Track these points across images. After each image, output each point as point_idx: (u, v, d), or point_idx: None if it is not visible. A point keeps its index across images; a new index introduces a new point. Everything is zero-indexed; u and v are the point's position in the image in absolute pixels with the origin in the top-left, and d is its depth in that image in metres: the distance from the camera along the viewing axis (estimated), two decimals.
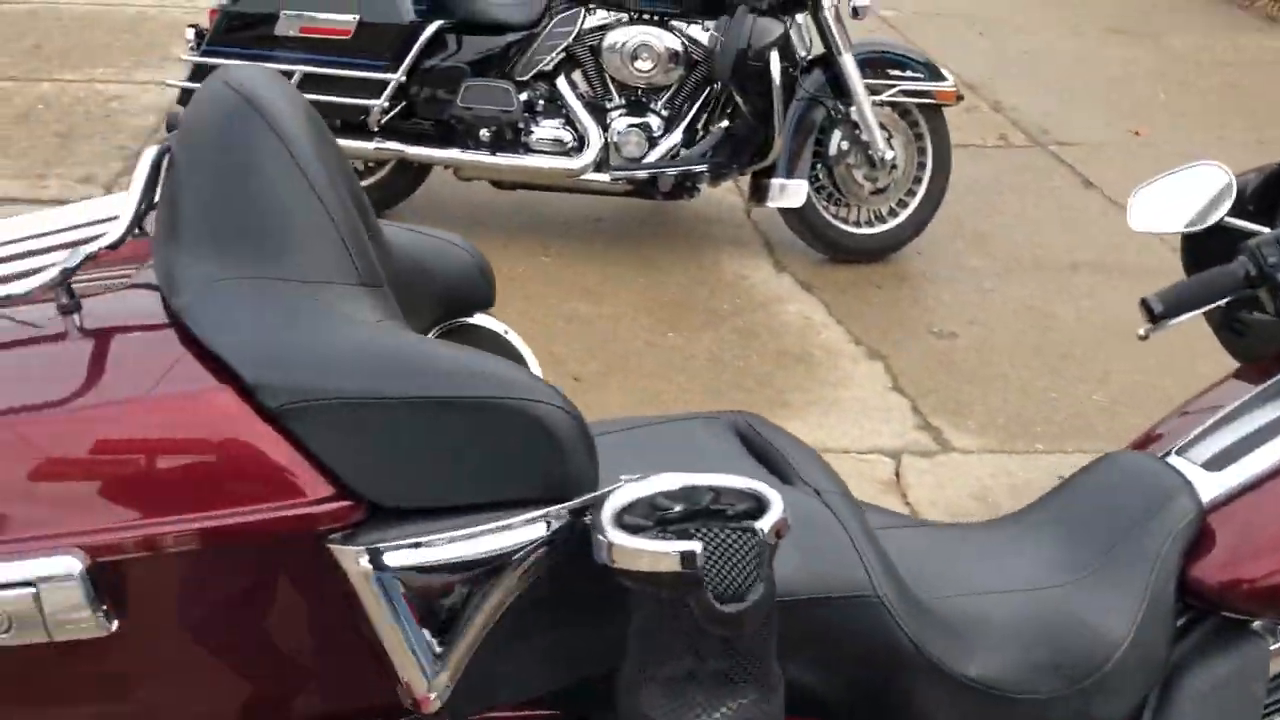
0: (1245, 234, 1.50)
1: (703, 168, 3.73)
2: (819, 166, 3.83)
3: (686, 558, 0.73)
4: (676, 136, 3.76)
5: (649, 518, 0.77)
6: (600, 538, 0.76)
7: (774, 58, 3.56)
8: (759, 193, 3.82)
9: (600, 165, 3.73)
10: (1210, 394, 1.49)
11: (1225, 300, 1.45)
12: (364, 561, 0.76)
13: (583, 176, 3.74)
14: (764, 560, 0.75)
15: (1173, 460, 1.32)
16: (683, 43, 3.71)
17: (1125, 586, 1.19)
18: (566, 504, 0.79)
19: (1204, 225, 1.50)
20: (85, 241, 0.89)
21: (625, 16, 3.73)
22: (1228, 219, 1.49)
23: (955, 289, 3.90)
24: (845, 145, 3.79)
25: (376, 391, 0.77)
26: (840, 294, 3.81)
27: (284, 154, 0.90)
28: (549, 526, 0.79)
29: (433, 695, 0.80)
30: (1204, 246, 1.64)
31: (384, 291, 0.91)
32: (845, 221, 3.94)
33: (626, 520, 0.76)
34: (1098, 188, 4.77)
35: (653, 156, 3.74)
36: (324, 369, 0.78)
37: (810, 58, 3.81)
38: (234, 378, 0.78)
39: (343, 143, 3.60)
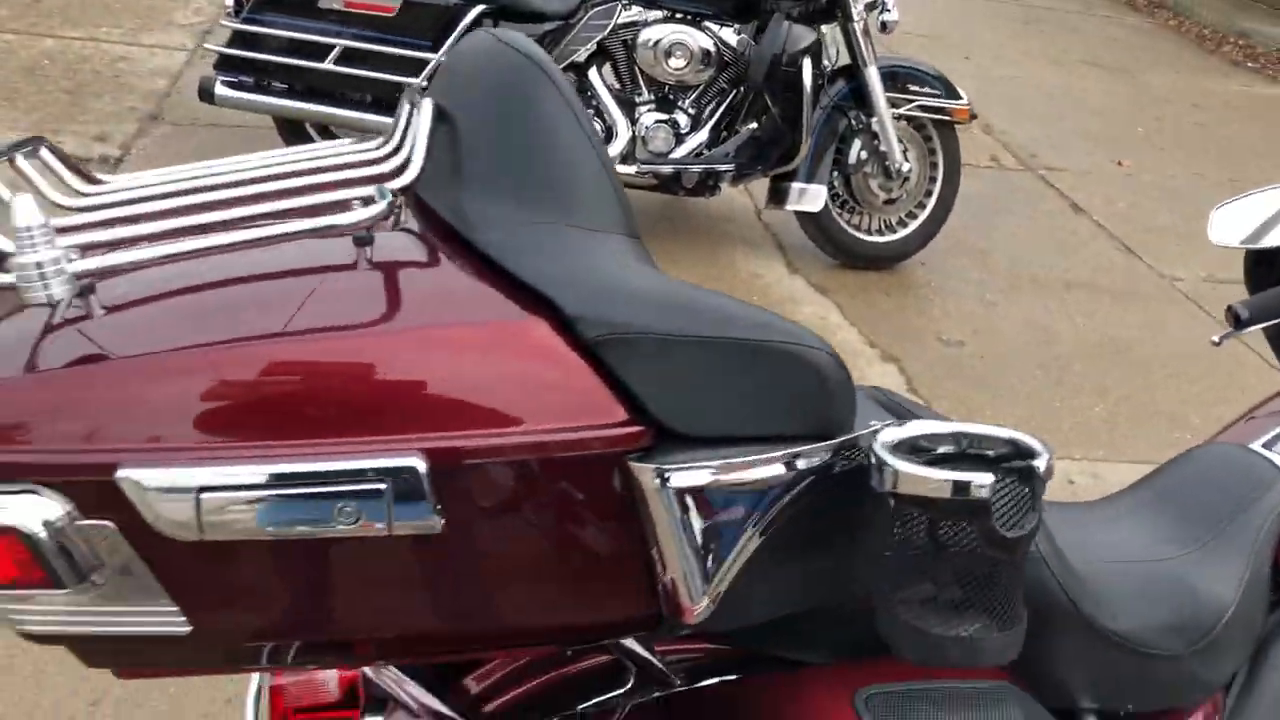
0: None
1: (728, 167, 3.84)
2: (836, 174, 3.95)
3: (982, 486, 0.82)
4: (703, 135, 3.86)
5: (917, 455, 0.86)
6: (888, 466, 0.84)
7: (807, 64, 3.68)
8: (778, 195, 3.93)
9: (626, 158, 3.81)
10: (1274, 401, 1.61)
11: None
12: (658, 479, 0.84)
13: None
14: (1038, 495, 0.85)
15: (1261, 452, 1.44)
16: (715, 43, 3.81)
17: (1230, 562, 1.30)
18: (843, 438, 0.88)
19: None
20: (360, 182, 0.96)
21: (660, 14, 3.82)
22: None
23: (959, 300, 4.05)
24: (864, 154, 3.92)
25: (681, 331, 0.85)
26: (851, 298, 3.94)
27: (568, 110, 0.97)
28: (821, 459, 0.88)
29: (698, 607, 0.88)
30: (1268, 264, 1.77)
31: (642, 243, 0.99)
32: (858, 229, 4.08)
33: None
34: (1086, 212, 4.97)
35: (679, 152, 3.84)
36: (636, 308, 0.86)
37: (835, 67, 3.93)
38: (549, 309, 0.86)
39: (374, 119, 3.68)
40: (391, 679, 1.06)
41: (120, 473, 0.77)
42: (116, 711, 1.99)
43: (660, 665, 1.10)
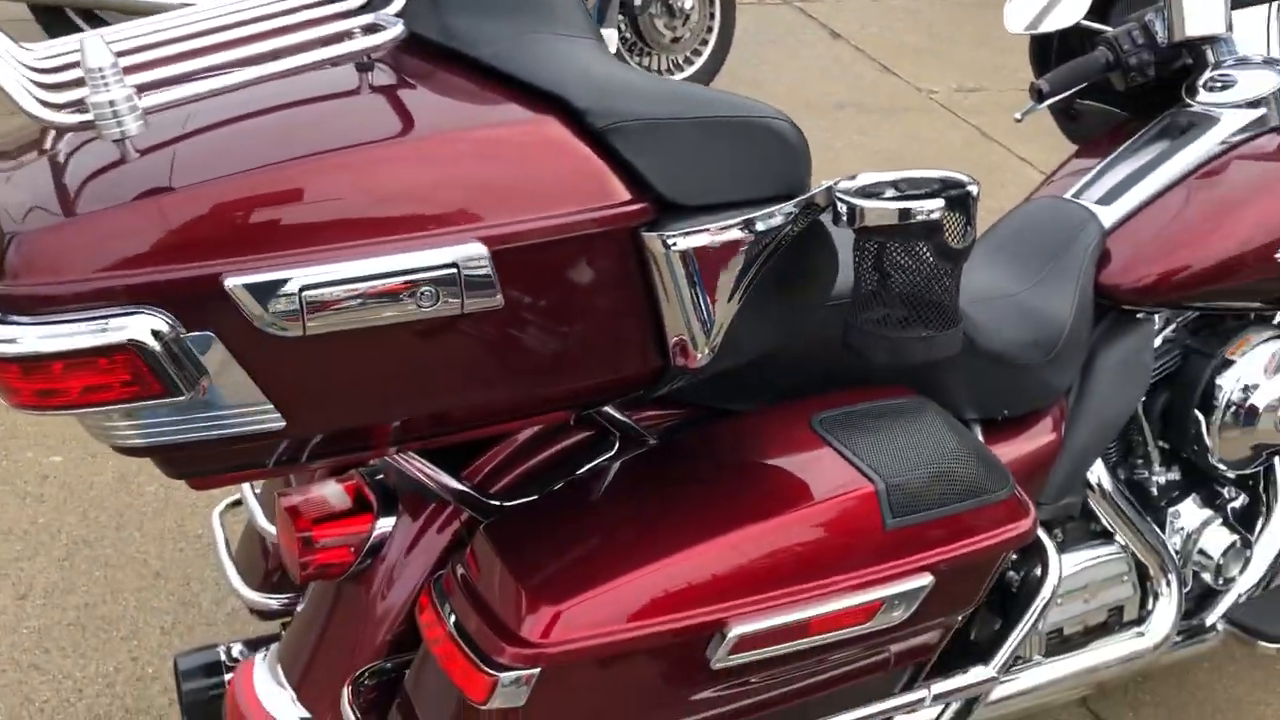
0: (1094, 32, 1.91)
1: None
2: (623, 17, 4.07)
3: (934, 210, 1.01)
4: None
5: (873, 197, 1.05)
6: (858, 205, 1.02)
7: None
8: None
9: None
10: (1073, 161, 1.90)
11: (1085, 84, 1.86)
12: (664, 245, 1.00)
13: None
14: (973, 216, 1.05)
15: (1071, 199, 1.73)
16: None
17: (1063, 289, 1.59)
18: (811, 192, 1.05)
19: (1069, 25, 1.89)
20: (335, 18, 1.04)
21: None
22: (1083, 20, 1.89)
23: None
24: None
25: (675, 114, 0.99)
26: None
27: None
28: (793, 213, 1.05)
29: (702, 352, 1.06)
30: (1049, 46, 2.05)
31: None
32: (649, 70, 4.23)
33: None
34: (844, 38, 5.29)
35: None
36: (634, 97, 0.99)
37: None
38: (558, 107, 0.98)
39: None
40: (417, 465, 1.19)
41: (230, 281, 0.86)
42: (47, 600, 2.00)
43: (639, 428, 1.28)
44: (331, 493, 1.31)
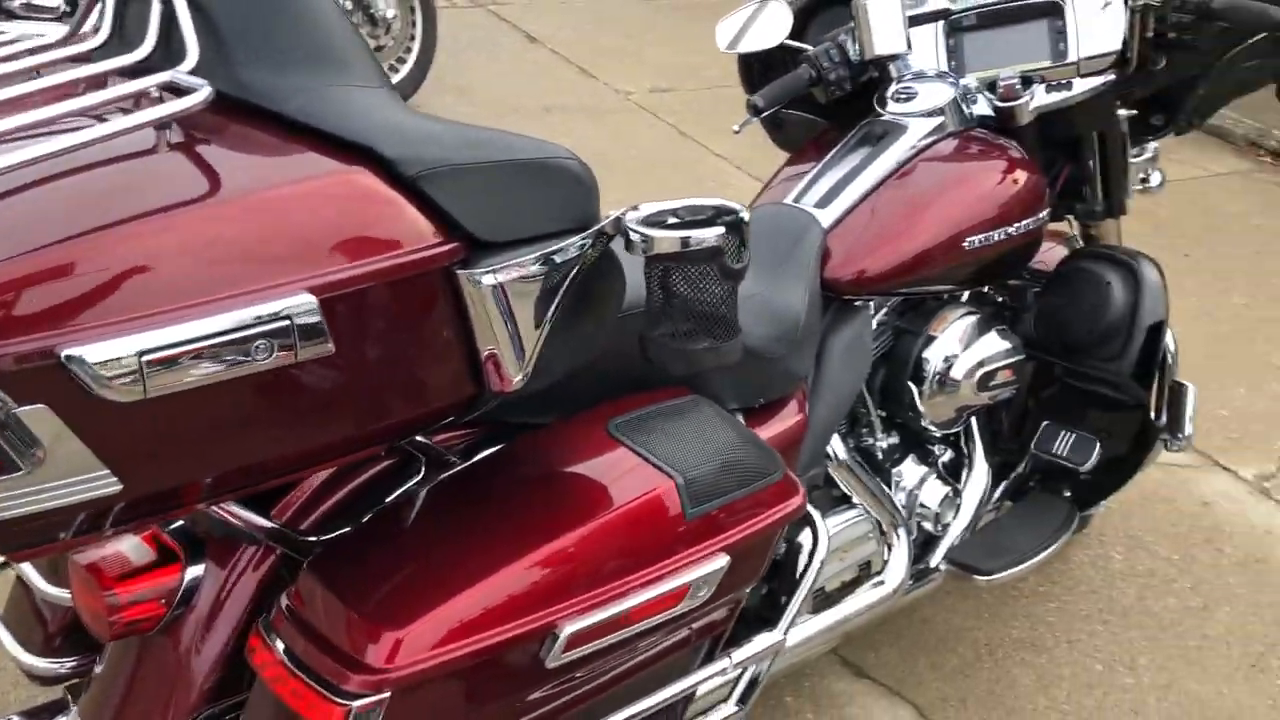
0: (793, 50, 2.13)
1: None
2: None
3: (714, 236, 1.13)
4: None
5: (658, 225, 1.15)
6: (648, 236, 1.12)
7: None
8: None
9: None
10: (786, 169, 2.11)
11: (791, 97, 2.07)
12: (478, 281, 1.07)
13: None
14: (746, 239, 1.18)
15: (793, 205, 1.93)
16: None
17: (796, 287, 1.78)
18: (603, 222, 1.14)
19: (773, 45, 2.10)
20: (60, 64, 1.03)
21: None
22: (786, 41, 2.10)
23: None
24: (349, 4, 4.01)
25: (478, 158, 1.06)
26: None
27: None
28: (589, 242, 1.14)
29: (517, 377, 1.13)
30: (757, 63, 2.26)
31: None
32: None
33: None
34: (541, 42, 5.43)
35: None
36: (440, 145, 1.05)
37: None
38: (368, 156, 1.03)
39: None
40: (229, 510, 1.20)
41: (66, 351, 0.86)
42: None
43: (443, 451, 1.34)
44: (130, 546, 1.29)
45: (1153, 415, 2.10)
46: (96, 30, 1.18)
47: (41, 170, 0.92)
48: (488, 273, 1.08)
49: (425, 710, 1.14)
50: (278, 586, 1.25)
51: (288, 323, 0.95)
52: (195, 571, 1.27)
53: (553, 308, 1.14)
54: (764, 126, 2.32)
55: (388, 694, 1.08)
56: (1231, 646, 2.43)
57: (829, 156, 2.00)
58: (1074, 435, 2.11)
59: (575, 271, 1.15)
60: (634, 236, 1.15)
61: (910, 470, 2.02)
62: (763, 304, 1.73)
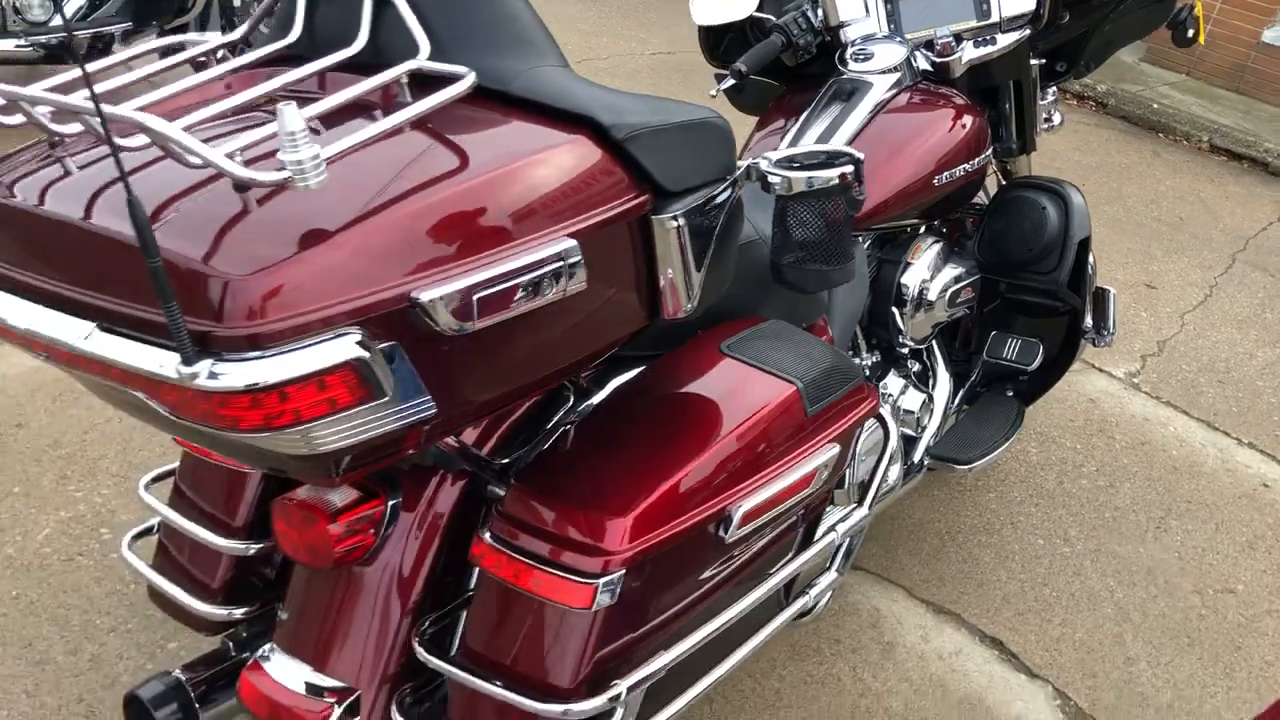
0: (756, 20, 2.39)
1: (118, 26, 3.71)
2: (224, 20, 4.02)
3: (846, 173, 1.38)
4: None
5: (788, 169, 1.40)
6: (782, 177, 1.36)
7: None
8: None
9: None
10: (763, 130, 2.36)
11: (766, 62, 2.33)
12: (669, 221, 1.28)
13: None
14: (862, 176, 1.43)
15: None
16: None
17: None
18: (743, 168, 1.37)
19: (743, 17, 2.35)
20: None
21: None
22: (755, 13, 2.35)
23: None
24: None
25: (664, 121, 1.27)
26: None
27: None
28: (734, 186, 1.37)
29: (687, 305, 1.36)
30: (717, 34, 2.51)
31: None
32: None
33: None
34: None
35: (60, 20, 3.61)
36: (636, 111, 1.25)
37: None
38: (582, 125, 1.23)
39: None
40: (449, 443, 1.39)
41: (421, 295, 1.04)
42: None
43: (585, 382, 1.56)
44: (345, 490, 1.44)
45: (1084, 318, 2.48)
46: (285, 30, 1.34)
47: (370, 153, 1.09)
48: (672, 217, 1.30)
49: (643, 584, 1.36)
50: (468, 505, 1.44)
51: (561, 263, 1.15)
52: (394, 502, 1.44)
53: (711, 243, 1.37)
54: (726, 92, 2.57)
55: (623, 571, 1.30)
56: (1138, 514, 2.87)
57: (808, 113, 2.27)
58: (1019, 341, 2.48)
59: (726, 210, 1.38)
60: (773, 179, 1.39)
61: (893, 382, 2.33)
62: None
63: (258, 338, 0.98)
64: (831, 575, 1.76)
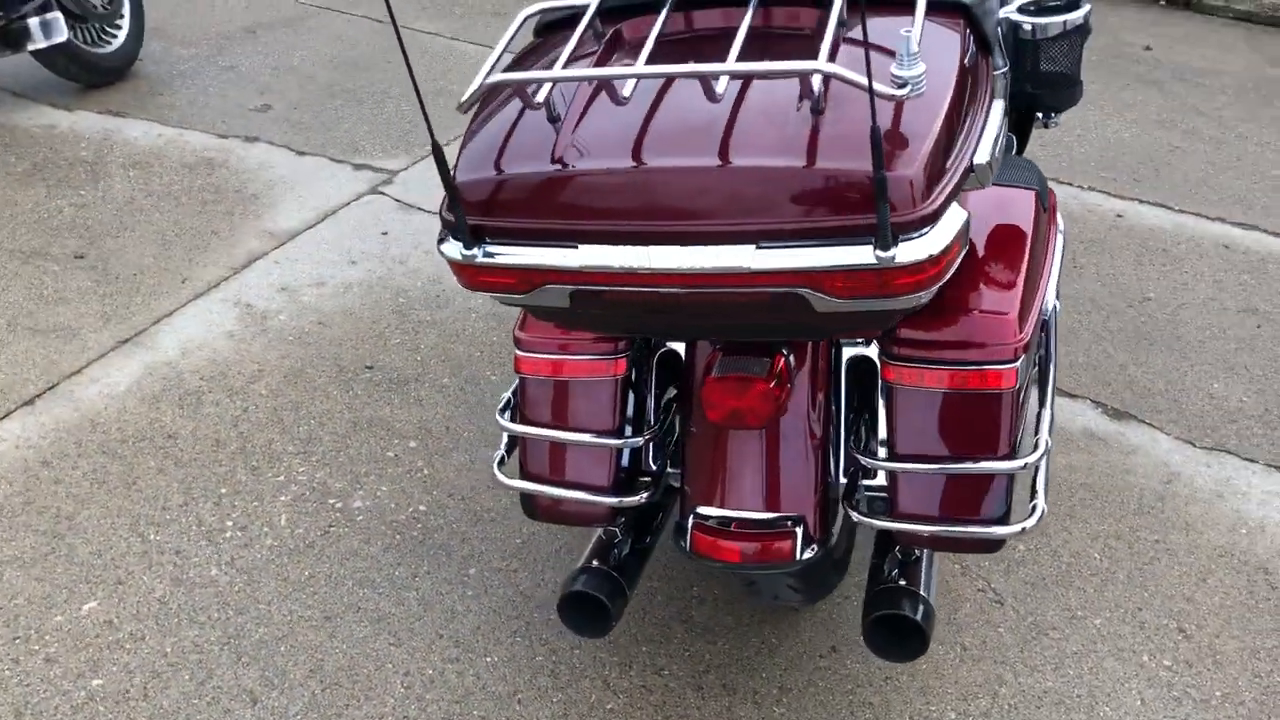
0: None
1: None
2: None
3: (1089, 13, 1.75)
4: None
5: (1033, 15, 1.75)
6: (1036, 24, 1.71)
7: None
8: (14, 39, 3.60)
9: None
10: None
11: None
12: (992, 74, 1.63)
13: None
14: (1090, 17, 1.80)
15: None
16: None
17: None
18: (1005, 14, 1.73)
19: None
20: None
21: None
22: None
23: (201, 71, 4.27)
24: None
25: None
26: (140, 106, 3.94)
27: None
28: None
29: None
30: None
31: None
32: (94, 46, 3.94)
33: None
34: None
35: None
36: None
37: None
38: (956, 10, 1.53)
39: None
40: None
41: (977, 159, 1.34)
42: None
43: None
44: (757, 359, 1.67)
45: None
46: None
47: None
48: (1000, 73, 1.64)
49: (1026, 369, 1.73)
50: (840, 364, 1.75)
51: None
52: (790, 360, 1.71)
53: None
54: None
55: (1024, 355, 1.66)
56: None
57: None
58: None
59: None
60: (1027, 27, 1.75)
61: None
62: None
63: (928, 218, 1.26)
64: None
